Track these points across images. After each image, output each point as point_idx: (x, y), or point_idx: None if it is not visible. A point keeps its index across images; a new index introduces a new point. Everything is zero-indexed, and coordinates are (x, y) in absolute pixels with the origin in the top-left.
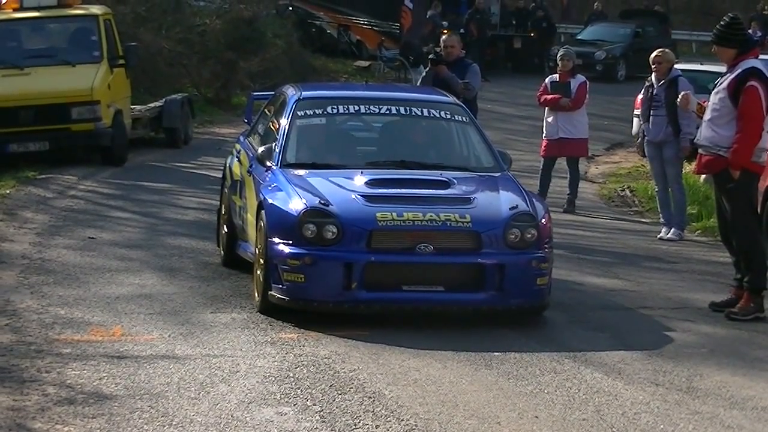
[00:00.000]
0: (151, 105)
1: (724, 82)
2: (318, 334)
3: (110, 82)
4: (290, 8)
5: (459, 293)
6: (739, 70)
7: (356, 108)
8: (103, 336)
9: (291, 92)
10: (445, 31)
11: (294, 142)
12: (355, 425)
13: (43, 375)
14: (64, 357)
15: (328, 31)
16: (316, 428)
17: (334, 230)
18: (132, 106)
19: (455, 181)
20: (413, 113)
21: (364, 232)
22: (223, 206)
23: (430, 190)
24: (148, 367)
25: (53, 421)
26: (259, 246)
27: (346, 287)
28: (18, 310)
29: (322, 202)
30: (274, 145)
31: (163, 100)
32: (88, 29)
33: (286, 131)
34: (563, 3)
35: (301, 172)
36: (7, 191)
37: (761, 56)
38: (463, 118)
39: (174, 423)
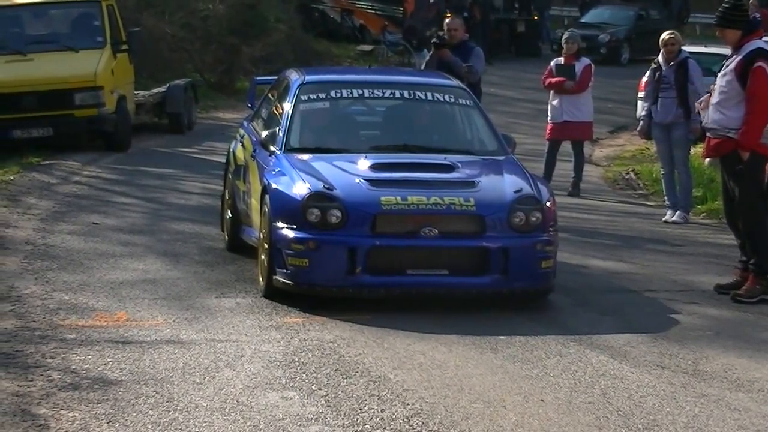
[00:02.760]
0: (155, 90)
1: (731, 64)
2: (323, 318)
3: (113, 67)
4: None
5: (463, 277)
6: (746, 52)
7: (360, 92)
8: (108, 321)
9: (294, 76)
10: (449, 15)
11: (297, 126)
12: (360, 409)
13: (47, 360)
14: (68, 342)
15: (331, 16)
16: (322, 412)
17: (339, 214)
18: (135, 92)
19: (459, 164)
20: (417, 97)
21: (368, 216)
22: (226, 191)
23: (434, 174)
24: (152, 352)
25: (58, 406)
26: (263, 231)
27: (350, 271)
28: (22, 296)
29: (327, 186)
30: (277, 129)
31: (167, 85)
32: (91, 15)
33: (289, 116)
34: None
35: (305, 156)
36: (11, 177)
37: (765, 38)
38: (467, 102)
39: (179, 408)
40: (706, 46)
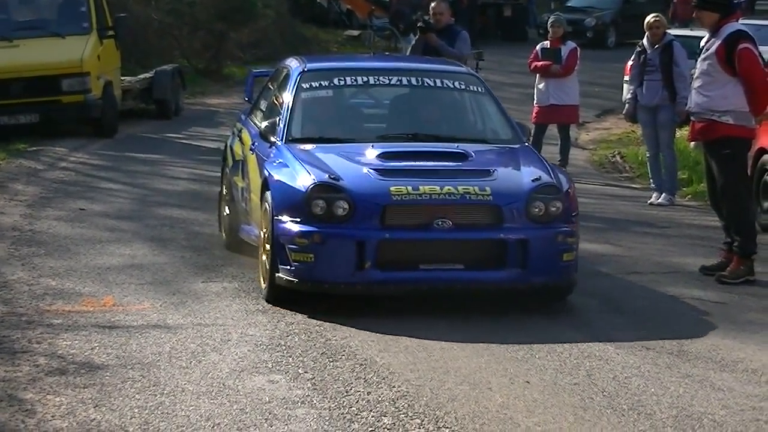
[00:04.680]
0: (142, 76)
1: (712, 47)
2: (309, 302)
3: (100, 53)
4: None
5: (479, 271)
6: (725, 34)
7: (365, 79)
8: (94, 306)
9: (295, 64)
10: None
11: (299, 115)
12: (346, 392)
13: (34, 346)
14: (55, 328)
15: (318, 1)
16: (308, 396)
17: (345, 206)
18: (122, 78)
19: (473, 153)
20: (425, 84)
21: (377, 207)
22: (224, 188)
23: (447, 163)
24: (139, 336)
25: (44, 391)
26: (264, 229)
27: (359, 267)
28: (9, 282)
29: (332, 176)
30: (278, 119)
31: (154, 71)
32: (78, 0)
33: (290, 105)
34: None
35: (308, 146)
36: None
37: (742, 20)
38: (479, 89)
39: (165, 392)
40: (691, 29)
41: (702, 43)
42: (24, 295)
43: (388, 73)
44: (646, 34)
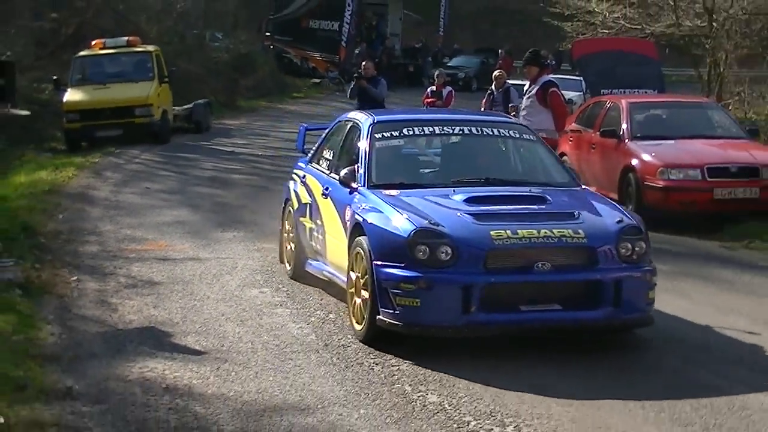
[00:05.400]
0: (185, 107)
1: (532, 91)
2: None
3: (159, 92)
4: (271, 47)
5: (576, 311)
6: (541, 83)
7: (431, 129)
8: (154, 247)
9: (363, 117)
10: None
11: (376, 163)
12: (308, 299)
13: (117, 270)
14: (130, 260)
15: (295, 61)
16: (284, 301)
17: (449, 251)
18: (173, 107)
19: (548, 196)
20: (485, 133)
21: (480, 252)
22: (287, 226)
23: (531, 206)
24: (181, 264)
25: (123, 297)
26: (358, 272)
27: (465, 311)
28: (102, 231)
29: (432, 222)
30: (356, 167)
31: (193, 103)
32: (146, 60)
33: (367, 153)
34: (439, 42)
35: (393, 192)
36: (96, 160)
37: (551, 75)
38: (531, 137)
39: (197, 299)
40: (522, 80)
41: (525, 88)
42: (111, 239)
43: (450, 124)
44: (494, 82)
